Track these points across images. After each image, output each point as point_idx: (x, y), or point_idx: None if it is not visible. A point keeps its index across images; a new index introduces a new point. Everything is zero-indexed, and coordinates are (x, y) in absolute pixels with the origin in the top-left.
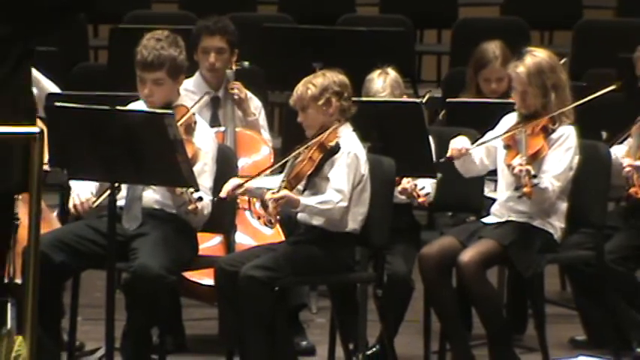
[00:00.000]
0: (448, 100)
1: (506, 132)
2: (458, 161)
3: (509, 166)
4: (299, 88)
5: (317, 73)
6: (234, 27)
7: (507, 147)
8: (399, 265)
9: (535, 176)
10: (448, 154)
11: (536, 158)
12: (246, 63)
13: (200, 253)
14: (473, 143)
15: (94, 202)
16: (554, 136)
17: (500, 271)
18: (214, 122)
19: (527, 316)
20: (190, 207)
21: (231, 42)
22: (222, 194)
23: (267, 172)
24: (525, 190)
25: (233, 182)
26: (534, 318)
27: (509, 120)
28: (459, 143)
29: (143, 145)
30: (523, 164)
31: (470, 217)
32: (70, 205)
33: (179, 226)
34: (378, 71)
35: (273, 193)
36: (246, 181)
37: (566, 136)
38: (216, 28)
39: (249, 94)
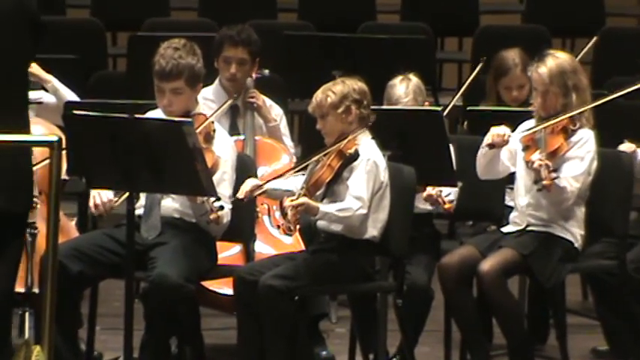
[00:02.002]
0: (469, 108)
1: (526, 131)
2: (484, 157)
3: (528, 162)
4: (318, 95)
5: (336, 80)
6: (256, 36)
7: (526, 147)
8: (419, 275)
9: (555, 171)
10: (489, 141)
11: (555, 156)
12: (266, 71)
13: (219, 262)
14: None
15: (116, 201)
16: (573, 138)
17: (520, 281)
18: (233, 131)
19: (549, 326)
20: (212, 216)
21: (253, 53)
22: (240, 195)
23: (287, 175)
24: (545, 182)
25: (251, 183)
26: (556, 328)
27: (527, 126)
28: (499, 129)
29: (162, 153)
30: (543, 159)
31: (490, 227)
32: (91, 203)
33: (198, 235)
34: (401, 77)
35: (292, 200)
36: (265, 182)
37: (586, 139)
38: (239, 39)
39: (270, 102)
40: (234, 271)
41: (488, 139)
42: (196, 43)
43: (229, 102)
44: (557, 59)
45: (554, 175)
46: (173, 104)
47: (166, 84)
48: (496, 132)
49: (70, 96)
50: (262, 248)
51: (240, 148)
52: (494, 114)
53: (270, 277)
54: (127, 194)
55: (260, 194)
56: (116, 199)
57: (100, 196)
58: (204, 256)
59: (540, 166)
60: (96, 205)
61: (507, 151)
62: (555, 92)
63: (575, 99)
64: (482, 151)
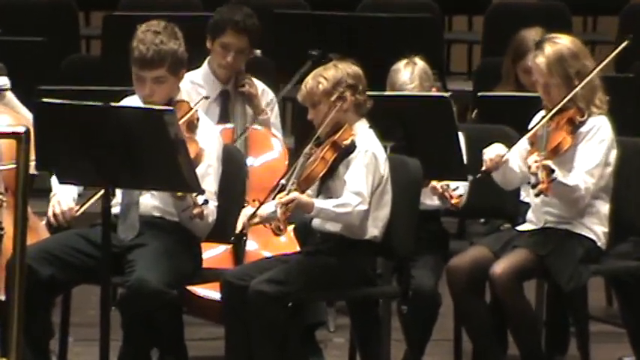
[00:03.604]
0: (480, 94)
1: (531, 129)
2: (496, 176)
3: (529, 167)
4: (308, 82)
5: (328, 64)
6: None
7: (531, 145)
8: (425, 278)
9: (554, 170)
10: (483, 167)
11: (557, 153)
12: (257, 51)
13: (204, 264)
14: (509, 147)
15: (77, 210)
16: (583, 129)
17: (538, 285)
18: (224, 118)
19: (569, 335)
20: (195, 211)
21: (253, 41)
22: (239, 228)
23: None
24: (542, 186)
25: (245, 213)
26: (577, 337)
27: (538, 117)
28: (492, 152)
29: (140, 145)
30: (540, 160)
31: (504, 225)
32: (50, 213)
33: (181, 235)
34: (405, 61)
35: (281, 196)
36: (258, 208)
37: (598, 127)
38: (245, 26)
39: (262, 86)
40: (221, 275)
41: (483, 164)
42: (177, 23)
43: (203, 101)
44: (555, 45)
45: (553, 176)
46: (155, 94)
47: (147, 72)
48: (488, 157)
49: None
50: (253, 249)
51: (230, 137)
52: (509, 101)
53: (260, 282)
54: (93, 199)
55: (258, 223)
56: (77, 207)
57: (60, 205)
58: (187, 259)
59: (537, 168)
60: (54, 215)
61: (519, 152)
62: (557, 84)
63: (580, 87)
64: (480, 176)
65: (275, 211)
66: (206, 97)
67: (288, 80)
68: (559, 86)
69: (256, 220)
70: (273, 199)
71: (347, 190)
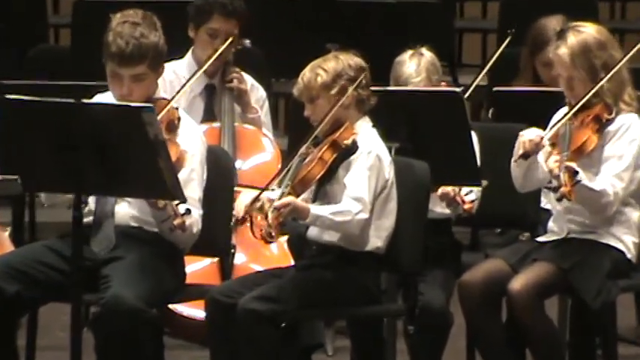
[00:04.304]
0: (495, 89)
1: (552, 127)
2: (519, 169)
3: (550, 170)
4: (305, 74)
5: (328, 55)
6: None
7: (552, 145)
8: (434, 295)
9: (577, 172)
10: (520, 151)
11: (581, 154)
12: (247, 41)
13: (188, 279)
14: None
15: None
16: (611, 127)
17: (560, 302)
18: (209, 116)
19: (596, 357)
20: (176, 221)
21: (242, 26)
22: (241, 213)
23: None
24: (563, 189)
25: (246, 196)
26: (604, 359)
27: (560, 114)
28: (530, 134)
29: (116, 147)
30: (562, 160)
31: (523, 235)
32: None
33: (161, 248)
34: (411, 52)
35: (272, 201)
36: (265, 189)
37: (627, 125)
38: (233, 9)
39: (251, 81)
40: (206, 292)
41: (519, 148)
42: (154, 11)
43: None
44: (579, 35)
45: (577, 178)
46: (133, 93)
47: (126, 70)
48: (527, 138)
49: None
50: (241, 262)
51: (216, 136)
52: (527, 96)
53: (250, 300)
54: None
55: (261, 208)
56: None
57: None
58: (168, 274)
59: (559, 169)
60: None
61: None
62: (581, 77)
63: (606, 81)
64: (514, 163)
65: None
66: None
67: (283, 74)
68: (583, 80)
69: (259, 204)
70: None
71: (347, 195)
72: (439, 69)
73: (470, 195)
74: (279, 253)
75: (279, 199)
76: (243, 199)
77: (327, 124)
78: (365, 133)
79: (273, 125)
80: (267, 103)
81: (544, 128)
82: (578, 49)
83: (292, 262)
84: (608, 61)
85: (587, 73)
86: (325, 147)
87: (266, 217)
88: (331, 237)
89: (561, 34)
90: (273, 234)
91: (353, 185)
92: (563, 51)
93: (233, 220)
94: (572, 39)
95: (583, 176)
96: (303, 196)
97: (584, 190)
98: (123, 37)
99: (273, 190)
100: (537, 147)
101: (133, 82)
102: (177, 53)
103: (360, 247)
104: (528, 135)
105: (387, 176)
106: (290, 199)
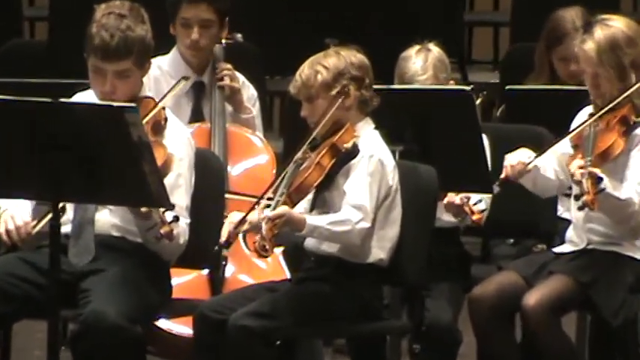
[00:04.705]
0: (508, 87)
1: (576, 128)
2: (526, 180)
3: (572, 175)
4: (304, 71)
5: (328, 51)
6: None
7: (575, 147)
8: (441, 311)
9: (601, 179)
10: (502, 175)
11: (606, 159)
12: (239, 35)
13: (174, 293)
14: (540, 152)
15: (34, 226)
16: (638, 131)
17: (579, 319)
18: (197, 116)
19: None
20: (163, 230)
21: (220, 11)
22: (223, 238)
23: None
24: (586, 198)
25: (232, 218)
26: None
27: (584, 115)
28: (514, 158)
29: (96, 150)
30: (585, 166)
31: (538, 246)
32: (2, 230)
33: (146, 259)
34: (417, 47)
35: (266, 209)
36: (249, 212)
37: None
38: None
39: (242, 79)
40: (194, 307)
41: (503, 172)
42: (141, 3)
43: (182, 84)
44: (607, 29)
45: (600, 186)
46: (117, 91)
47: (110, 65)
48: (509, 162)
49: None
50: (232, 273)
51: (205, 139)
52: (543, 95)
53: (242, 316)
54: (50, 216)
55: (247, 230)
56: (34, 222)
57: (14, 220)
58: (153, 288)
59: (582, 175)
60: (8, 232)
61: (555, 158)
62: (607, 75)
63: (635, 80)
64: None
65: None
66: (185, 78)
67: (278, 71)
68: (610, 78)
69: (245, 227)
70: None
71: (347, 203)
72: (447, 66)
73: (479, 204)
74: (273, 266)
75: (274, 208)
76: (227, 223)
77: (325, 125)
78: (367, 135)
79: (267, 127)
80: (258, 103)
81: (561, 130)
82: (605, 45)
83: (288, 275)
84: (637, 59)
85: (615, 71)
86: (324, 151)
87: (260, 229)
88: (330, 247)
89: (588, 28)
90: (268, 247)
91: (353, 192)
92: (590, 46)
93: (216, 247)
94: (599, 33)
95: (607, 184)
96: (301, 204)
97: (608, 198)
98: (108, 29)
99: (267, 204)
100: (520, 173)
101: (116, 78)
102: (165, 49)
103: (361, 258)
104: (511, 160)
105: (390, 182)
106: (284, 209)
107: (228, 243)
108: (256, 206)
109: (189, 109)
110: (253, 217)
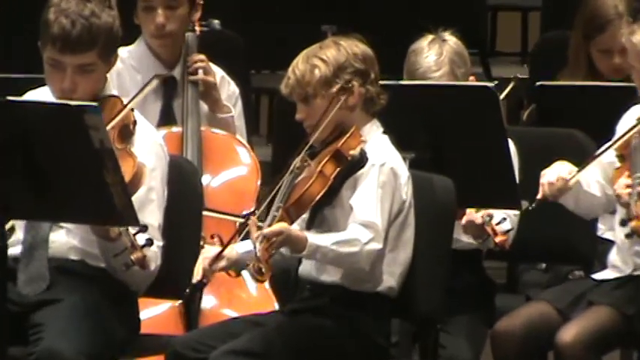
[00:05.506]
0: (539, 83)
1: (622, 136)
2: (567, 200)
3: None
4: (298, 66)
5: (325, 42)
6: None
7: (621, 159)
8: (460, 348)
9: None
10: (539, 195)
11: None
12: (216, 22)
13: (143, 328)
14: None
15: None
16: None
17: (623, 357)
18: (167, 117)
19: None
20: (134, 256)
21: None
22: (197, 277)
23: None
24: (635, 224)
25: (207, 253)
26: None
27: (631, 117)
28: (552, 174)
29: (51, 157)
30: (634, 185)
31: (574, 272)
32: None
33: (109, 287)
34: (430, 37)
35: (260, 228)
36: (226, 246)
37: None
38: None
39: (221, 73)
40: (167, 344)
41: (540, 190)
42: None
43: (154, 83)
44: None
45: None
46: (78, 88)
47: (70, 58)
48: (547, 179)
49: None
50: (211, 303)
51: (176, 144)
52: (580, 93)
53: (224, 354)
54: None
55: (225, 267)
56: None
57: None
58: (118, 321)
59: (629, 196)
60: None
61: (601, 168)
62: None
63: None
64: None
65: (251, 251)
66: (157, 77)
67: (265, 64)
68: None
69: (222, 263)
70: (245, 236)
71: (353, 220)
72: (466, 59)
73: (504, 224)
74: (259, 295)
75: (270, 225)
76: (201, 259)
77: (326, 129)
78: (375, 140)
79: (252, 130)
80: (240, 102)
81: (602, 135)
82: None
83: (276, 306)
84: None
85: None
86: (326, 158)
87: (241, 265)
88: (331, 275)
89: (637, 15)
90: (264, 270)
91: (361, 207)
92: (638, 38)
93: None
94: None
95: None
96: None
97: None
98: (68, 15)
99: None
100: (560, 192)
101: (78, 73)
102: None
103: (369, 286)
104: (549, 176)
105: (403, 196)
106: (282, 226)
107: (202, 283)
108: (235, 237)
109: (157, 108)
110: (232, 252)
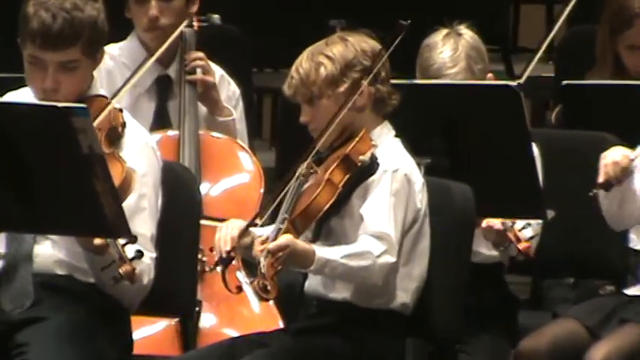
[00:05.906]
0: (566, 82)
1: None
2: (608, 202)
3: None
4: (302, 64)
5: (332, 37)
6: None
7: None
8: None
9: None
10: (601, 179)
11: None
12: (215, 16)
13: (136, 349)
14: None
15: None
16: None
17: None
18: (162, 120)
19: None
20: (123, 269)
21: None
22: (227, 247)
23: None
24: None
25: (234, 225)
26: None
27: None
28: (615, 154)
29: (34, 164)
30: None
31: (604, 287)
32: None
33: (99, 305)
34: (444, 31)
35: (265, 242)
36: (255, 218)
37: None
38: None
39: (220, 72)
40: None
41: (600, 174)
42: None
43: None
44: None
45: None
46: (62, 87)
47: (52, 54)
48: (611, 159)
49: None
50: (210, 322)
51: (172, 149)
52: (609, 92)
53: None
54: None
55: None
56: None
57: None
58: (108, 341)
59: None
60: None
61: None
62: None
63: None
64: (601, 194)
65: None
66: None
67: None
68: None
69: (248, 239)
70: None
71: (365, 232)
72: (484, 54)
73: (526, 230)
74: (261, 312)
75: (275, 238)
76: (227, 231)
77: (333, 133)
78: (387, 144)
79: (254, 134)
80: (241, 103)
81: (632, 137)
82: None
83: (280, 324)
84: None
85: None
86: (334, 165)
87: (258, 263)
88: (341, 292)
89: None
90: (269, 287)
91: (373, 218)
92: None
93: (214, 262)
94: None
95: None
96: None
97: None
98: (49, 8)
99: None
100: (624, 173)
101: (60, 71)
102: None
103: (382, 303)
104: (613, 156)
105: (418, 205)
106: (288, 238)
107: (231, 257)
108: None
109: (151, 110)
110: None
